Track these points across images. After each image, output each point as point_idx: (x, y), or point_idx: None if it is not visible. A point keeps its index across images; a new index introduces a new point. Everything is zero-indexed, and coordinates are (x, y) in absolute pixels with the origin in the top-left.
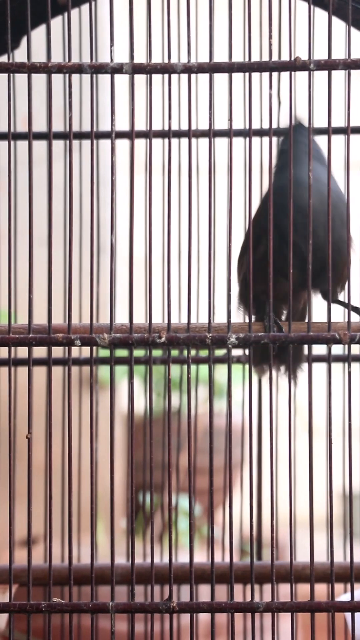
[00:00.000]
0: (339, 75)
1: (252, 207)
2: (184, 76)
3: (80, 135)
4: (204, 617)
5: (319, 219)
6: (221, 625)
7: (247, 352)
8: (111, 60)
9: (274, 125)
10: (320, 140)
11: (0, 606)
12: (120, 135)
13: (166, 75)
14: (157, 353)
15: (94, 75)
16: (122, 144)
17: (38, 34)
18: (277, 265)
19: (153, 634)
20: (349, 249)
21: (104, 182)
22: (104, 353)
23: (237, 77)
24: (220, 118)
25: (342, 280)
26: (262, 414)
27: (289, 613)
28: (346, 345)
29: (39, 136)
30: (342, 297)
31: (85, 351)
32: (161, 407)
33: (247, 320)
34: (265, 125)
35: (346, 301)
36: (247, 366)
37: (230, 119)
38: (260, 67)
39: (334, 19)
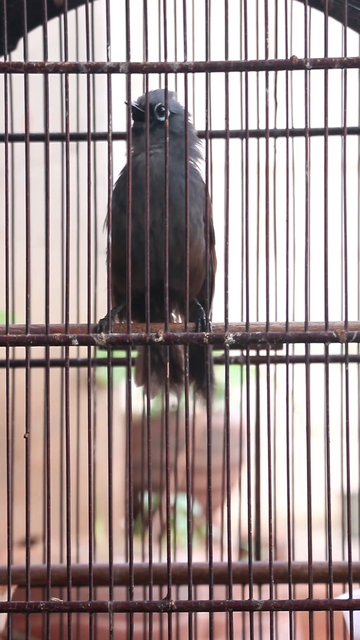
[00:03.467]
0: (334, 78)
1: (248, 207)
2: (180, 75)
3: (77, 137)
4: (203, 617)
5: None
6: (220, 625)
7: (244, 352)
8: (107, 59)
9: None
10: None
11: None
12: (118, 136)
13: (162, 75)
14: None
15: (91, 75)
16: (120, 145)
17: (35, 37)
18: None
19: (152, 634)
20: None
21: (101, 183)
22: (102, 354)
23: (234, 76)
24: (217, 117)
25: (194, 282)
26: (260, 414)
27: (288, 613)
28: (343, 344)
29: (36, 137)
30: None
31: (83, 352)
32: (160, 407)
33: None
34: (262, 124)
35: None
36: (244, 366)
37: (227, 118)
38: (257, 66)
39: (329, 19)
